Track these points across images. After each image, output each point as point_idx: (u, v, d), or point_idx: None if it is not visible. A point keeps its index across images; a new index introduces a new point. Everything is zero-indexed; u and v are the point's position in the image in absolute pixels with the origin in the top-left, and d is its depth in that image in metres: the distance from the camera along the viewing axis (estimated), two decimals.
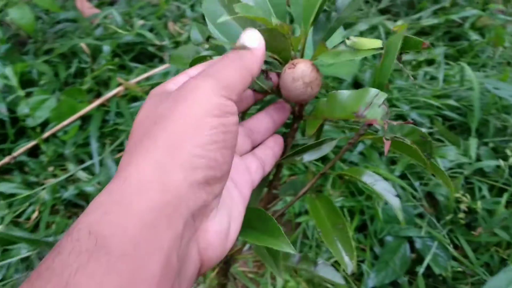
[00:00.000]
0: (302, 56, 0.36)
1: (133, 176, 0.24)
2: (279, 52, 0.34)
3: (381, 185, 0.38)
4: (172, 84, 0.30)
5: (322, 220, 0.39)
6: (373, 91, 0.30)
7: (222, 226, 0.28)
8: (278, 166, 0.41)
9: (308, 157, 0.39)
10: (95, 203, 0.24)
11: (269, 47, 0.32)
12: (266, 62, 0.36)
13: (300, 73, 0.33)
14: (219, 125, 0.26)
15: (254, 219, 0.34)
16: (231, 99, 0.27)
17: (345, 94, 0.32)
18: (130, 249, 0.21)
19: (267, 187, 0.43)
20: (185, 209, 0.25)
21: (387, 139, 0.30)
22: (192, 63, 0.36)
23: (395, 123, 0.30)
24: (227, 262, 0.51)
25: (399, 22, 1.42)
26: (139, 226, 0.22)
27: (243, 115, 0.40)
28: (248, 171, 0.35)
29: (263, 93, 0.37)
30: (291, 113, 0.40)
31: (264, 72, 0.36)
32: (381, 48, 0.31)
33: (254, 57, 0.29)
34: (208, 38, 0.42)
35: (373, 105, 0.30)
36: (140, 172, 0.24)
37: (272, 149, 0.38)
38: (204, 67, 0.30)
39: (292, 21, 0.38)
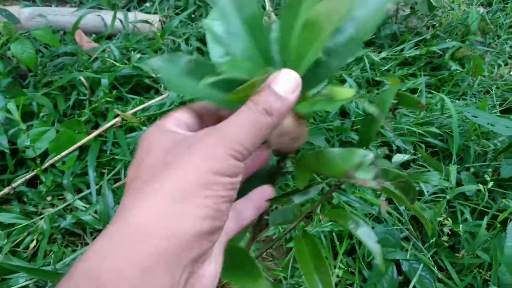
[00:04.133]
0: None
1: (137, 220, 0.25)
2: None
3: (363, 231, 0.41)
4: (171, 123, 0.31)
5: (306, 261, 0.41)
6: (362, 152, 0.30)
7: (215, 271, 0.29)
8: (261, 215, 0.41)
9: (296, 199, 0.41)
10: (95, 247, 0.24)
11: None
12: None
13: (286, 129, 0.33)
14: (229, 183, 0.27)
15: (236, 259, 0.35)
16: (242, 160, 0.28)
17: (333, 152, 0.32)
18: None
19: (257, 218, 0.44)
20: (187, 257, 0.25)
21: (384, 200, 0.32)
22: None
23: (387, 183, 0.31)
24: None
25: (383, 54, 1.50)
26: (138, 273, 0.22)
27: None
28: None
29: None
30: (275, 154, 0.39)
31: None
32: (354, 97, 0.31)
33: (279, 112, 0.28)
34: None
35: (362, 165, 0.30)
36: (145, 216, 0.25)
37: (252, 201, 0.37)
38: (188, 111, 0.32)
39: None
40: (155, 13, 1.70)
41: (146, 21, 1.56)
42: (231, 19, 0.34)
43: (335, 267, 0.99)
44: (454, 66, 1.49)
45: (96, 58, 1.42)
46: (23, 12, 1.54)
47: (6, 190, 1.01)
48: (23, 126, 0.88)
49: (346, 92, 0.30)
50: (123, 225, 0.25)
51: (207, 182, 0.26)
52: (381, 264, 0.40)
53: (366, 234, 0.40)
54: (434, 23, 1.76)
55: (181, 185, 0.25)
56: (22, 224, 1.01)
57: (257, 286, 0.33)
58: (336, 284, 0.98)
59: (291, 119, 0.33)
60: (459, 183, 1.08)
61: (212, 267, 0.28)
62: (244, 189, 0.40)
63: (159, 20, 1.61)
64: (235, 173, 0.27)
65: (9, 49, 1.35)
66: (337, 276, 0.97)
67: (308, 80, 0.33)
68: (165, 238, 0.24)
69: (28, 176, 1.04)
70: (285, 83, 0.29)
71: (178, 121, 0.32)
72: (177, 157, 0.27)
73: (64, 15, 1.58)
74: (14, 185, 1.01)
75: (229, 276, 0.35)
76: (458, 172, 1.10)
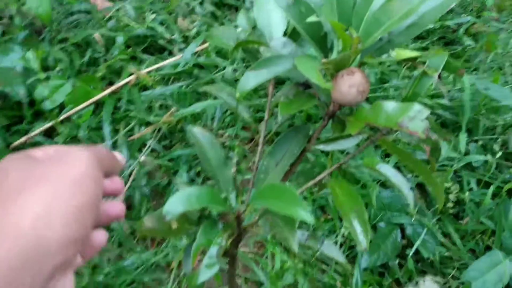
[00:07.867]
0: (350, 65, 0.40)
1: (10, 222, 0.24)
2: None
3: (397, 179, 0.44)
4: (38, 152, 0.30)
5: (341, 202, 0.43)
6: (418, 106, 0.33)
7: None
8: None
9: (335, 146, 0.45)
10: None
11: None
12: None
13: (357, 82, 0.37)
14: (96, 188, 0.28)
15: (276, 191, 0.38)
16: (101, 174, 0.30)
17: (390, 105, 0.36)
18: None
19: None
20: (51, 263, 0.25)
21: (427, 145, 0.37)
22: (237, 47, 0.41)
23: (433, 137, 0.35)
24: (240, 234, 0.55)
25: None
26: (4, 272, 0.22)
27: None
28: None
29: None
30: (325, 110, 0.43)
31: None
32: (416, 58, 0.36)
33: (118, 164, 0.34)
34: (254, 27, 0.46)
35: (416, 119, 0.33)
36: (17, 220, 0.24)
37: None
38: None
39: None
40: None
41: None
42: None
43: (340, 228, 1.01)
44: (467, 41, 1.49)
45: (111, 18, 1.42)
46: None
47: (23, 139, 1.03)
48: (42, 75, 0.89)
49: (411, 52, 0.36)
50: None
51: (80, 185, 0.27)
52: (412, 209, 0.44)
53: (401, 182, 0.44)
54: None
55: (56, 193, 0.26)
56: None
57: (297, 211, 0.35)
58: (341, 244, 1.01)
59: (361, 74, 0.37)
60: (467, 154, 1.10)
61: (71, 281, 0.28)
62: (278, 144, 0.46)
63: None
64: (100, 181, 0.29)
65: (23, 4, 1.35)
66: (342, 236, 1.00)
67: (373, 48, 0.39)
68: (35, 239, 0.24)
69: (45, 126, 1.06)
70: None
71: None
72: (48, 169, 0.27)
73: None
74: (31, 134, 1.03)
75: (269, 204, 0.38)
76: (467, 144, 1.11)
